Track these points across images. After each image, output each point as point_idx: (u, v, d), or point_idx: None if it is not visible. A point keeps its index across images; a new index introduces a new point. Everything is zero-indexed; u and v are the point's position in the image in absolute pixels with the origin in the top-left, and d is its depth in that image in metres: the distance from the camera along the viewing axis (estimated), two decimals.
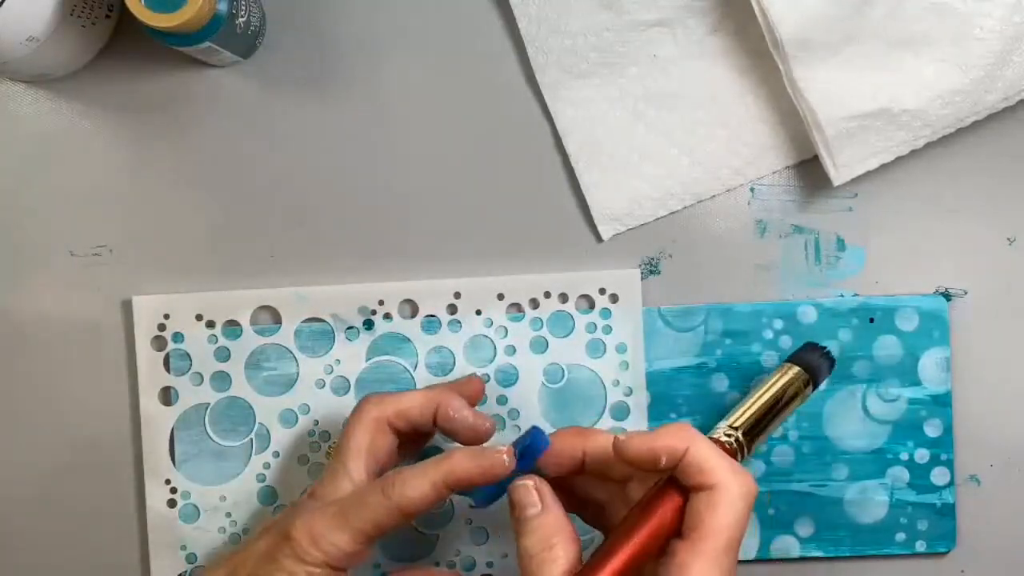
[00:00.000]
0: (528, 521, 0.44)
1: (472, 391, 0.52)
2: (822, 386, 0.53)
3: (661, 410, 0.55)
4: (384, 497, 0.45)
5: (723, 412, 0.55)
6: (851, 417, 0.55)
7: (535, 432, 0.46)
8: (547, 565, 0.43)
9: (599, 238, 0.56)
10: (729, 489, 0.42)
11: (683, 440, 0.43)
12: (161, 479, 0.55)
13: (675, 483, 0.44)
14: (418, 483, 0.45)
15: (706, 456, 0.43)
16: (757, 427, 0.49)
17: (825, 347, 0.53)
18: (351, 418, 0.50)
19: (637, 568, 0.43)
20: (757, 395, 0.50)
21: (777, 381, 0.50)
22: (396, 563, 0.56)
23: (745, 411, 0.49)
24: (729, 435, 0.47)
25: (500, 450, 0.46)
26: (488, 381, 0.55)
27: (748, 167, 0.55)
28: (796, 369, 0.51)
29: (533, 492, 0.45)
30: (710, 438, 0.46)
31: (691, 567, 0.42)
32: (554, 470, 0.47)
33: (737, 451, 0.47)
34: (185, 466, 0.55)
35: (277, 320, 0.56)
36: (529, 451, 0.46)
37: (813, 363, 0.51)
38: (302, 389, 0.55)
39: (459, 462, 0.45)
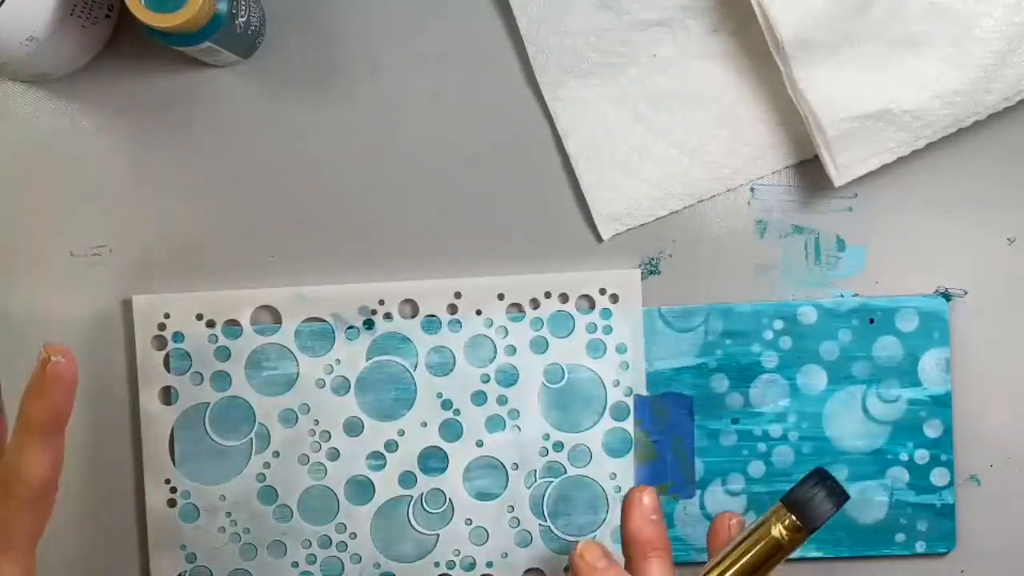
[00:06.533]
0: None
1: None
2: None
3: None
4: None
5: (722, 412, 0.55)
6: (851, 417, 0.55)
7: None
8: None
9: (599, 238, 0.56)
10: None
11: None
12: (161, 479, 0.55)
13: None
14: None
15: None
16: None
17: (831, 480, 0.42)
18: None
19: None
20: (732, 555, 0.42)
21: (758, 537, 0.41)
22: (396, 563, 0.56)
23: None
24: None
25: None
26: (488, 381, 0.55)
27: (748, 167, 0.55)
28: (788, 519, 0.41)
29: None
30: None
31: None
32: None
33: None
34: (185, 466, 0.55)
35: (277, 320, 0.56)
36: None
37: (810, 507, 0.41)
38: (302, 389, 0.55)
39: None
